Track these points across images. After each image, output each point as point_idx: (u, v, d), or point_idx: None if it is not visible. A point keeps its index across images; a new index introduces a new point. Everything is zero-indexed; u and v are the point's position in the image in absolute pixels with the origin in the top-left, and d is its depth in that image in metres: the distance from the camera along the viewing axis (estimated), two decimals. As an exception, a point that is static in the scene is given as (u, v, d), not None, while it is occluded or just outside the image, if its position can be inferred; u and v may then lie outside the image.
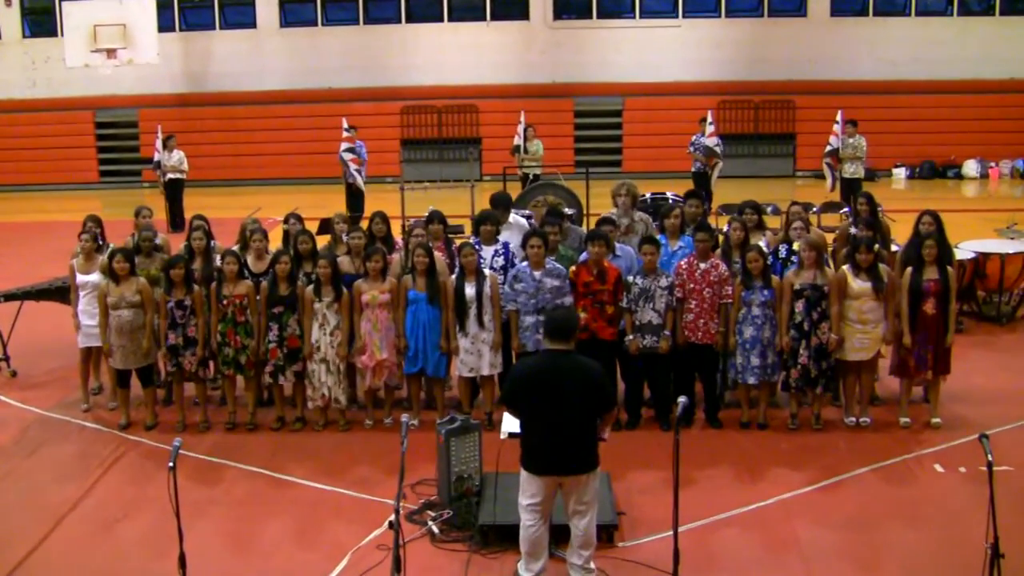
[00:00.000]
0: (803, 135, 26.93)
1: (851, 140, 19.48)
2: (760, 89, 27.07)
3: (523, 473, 6.79)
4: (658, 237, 10.22)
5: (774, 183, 24.61)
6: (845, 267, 9.60)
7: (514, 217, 11.25)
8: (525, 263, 9.65)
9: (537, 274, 9.50)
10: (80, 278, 10.37)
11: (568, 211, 13.00)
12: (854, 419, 9.76)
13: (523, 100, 24.81)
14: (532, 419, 6.74)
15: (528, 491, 6.78)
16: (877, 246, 9.78)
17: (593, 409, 6.72)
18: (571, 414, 6.61)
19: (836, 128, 19.52)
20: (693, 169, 20.61)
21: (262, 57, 27.69)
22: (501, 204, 11.00)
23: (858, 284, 9.43)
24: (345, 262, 10.15)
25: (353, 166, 19.95)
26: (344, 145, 20.10)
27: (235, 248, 10.37)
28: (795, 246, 9.91)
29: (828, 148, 19.56)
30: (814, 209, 15.03)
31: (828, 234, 11.53)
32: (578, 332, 7.10)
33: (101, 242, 10.91)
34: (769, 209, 14.93)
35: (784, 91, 27.08)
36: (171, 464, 5.97)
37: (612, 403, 6.99)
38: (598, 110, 27.80)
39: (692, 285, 9.58)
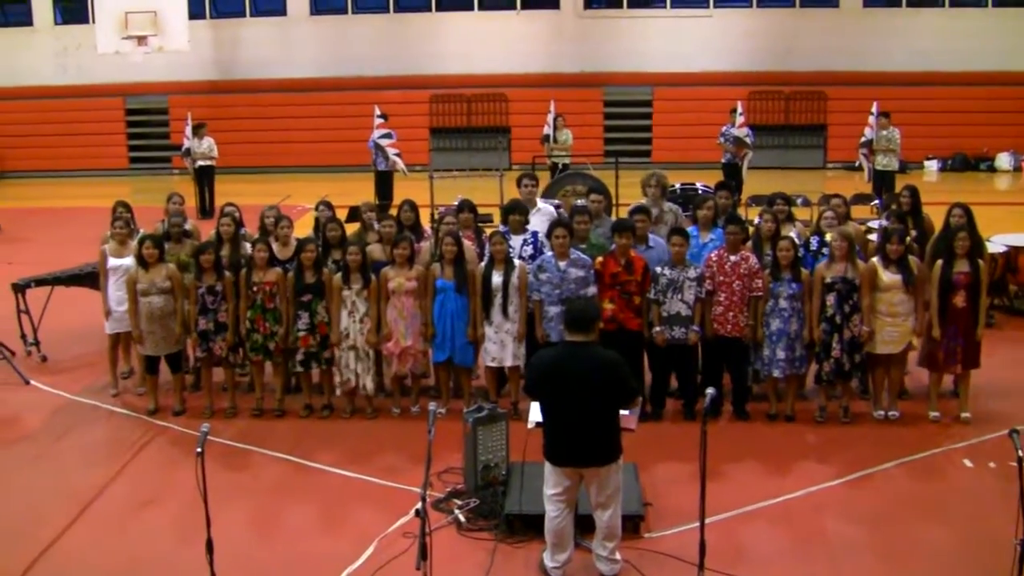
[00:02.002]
0: (834, 126, 26.69)
1: (884, 132, 19.26)
2: (791, 80, 26.81)
3: (547, 464, 6.78)
4: (689, 228, 10.16)
5: (804, 175, 24.40)
6: (875, 259, 9.51)
7: (542, 204, 11.21)
8: (550, 253, 9.62)
9: (562, 264, 9.46)
10: (113, 261, 10.44)
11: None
12: (883, 412, 9.69)
13: (552, 89, 24.63)
14: (551, 411, 6.72)
15: (552, 482, 6.78)
16: (909, 239, 9.69)
17: (612, 401, 6.67)
18: (589, 406, 6.58)
19: (871, 120, 19.36)
20: (723, 160, 20.53)
21: (292, 44, 27.72)
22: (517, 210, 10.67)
23: (888, 276, 9.35)
24: (376, 250, 10.17)
25: (392, 151, 19.95)
26: (380, 132, 20.08)
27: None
28: (827, 237, 9.82)
29: (863, 139, 19.42)
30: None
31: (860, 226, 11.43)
32: (599, 323, 7.04)
33: (132, 227, 10.99)
34: (799, 201, 14.85)
35: (815, 82, 26.82)
36: (199, 449, 6.00)
37: (633, 394, 6.85)
38: (628, 100, 27.65)
39: (722, 277, 9.52)
